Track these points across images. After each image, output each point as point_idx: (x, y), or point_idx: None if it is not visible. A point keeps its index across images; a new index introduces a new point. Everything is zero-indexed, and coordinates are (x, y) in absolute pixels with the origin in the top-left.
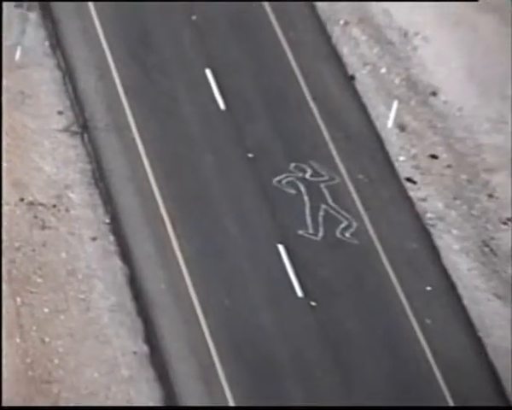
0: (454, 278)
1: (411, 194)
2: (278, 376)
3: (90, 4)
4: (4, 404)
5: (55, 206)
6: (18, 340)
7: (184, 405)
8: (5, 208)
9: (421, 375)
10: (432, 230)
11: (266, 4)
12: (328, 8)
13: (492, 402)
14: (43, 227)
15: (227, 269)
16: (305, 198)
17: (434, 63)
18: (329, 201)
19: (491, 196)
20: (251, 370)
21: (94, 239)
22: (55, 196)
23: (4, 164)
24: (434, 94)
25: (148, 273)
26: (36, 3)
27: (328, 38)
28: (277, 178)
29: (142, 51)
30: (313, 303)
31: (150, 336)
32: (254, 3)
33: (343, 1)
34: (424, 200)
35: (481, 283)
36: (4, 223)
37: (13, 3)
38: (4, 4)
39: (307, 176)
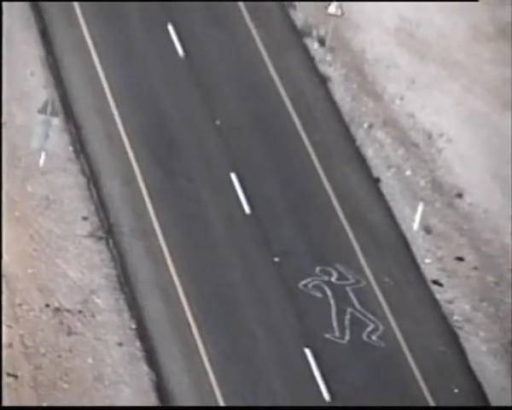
0: (481, 379)
1: (438, 296)
2: None
3: (114, 110)
4: None
5: (80, 311)
6: None
7: None
8: (31, 314)
9: None
10: (459, 332)
11: (289, 106)
12: (351, 110)
13: None
14: (70, 333)
15: (253, 372)
16: (332, 302)
17: (459, 165)
18: (355, 304)
19: None
20: None
21: (120, 345)
22: (80, 302)
23: (30, 270)
24: (460, 196)
25: (174, 378)
26: (59, 109)
27: (352, 141)
28: (303, 282)
29: (167, 156)
30: (340, 407)
31: None
32: None
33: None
34: (451, 302)
35: (508, 383)
36: (30, 329)
37: (36, 109)
38: (26, 110)
39: (333, 279)
